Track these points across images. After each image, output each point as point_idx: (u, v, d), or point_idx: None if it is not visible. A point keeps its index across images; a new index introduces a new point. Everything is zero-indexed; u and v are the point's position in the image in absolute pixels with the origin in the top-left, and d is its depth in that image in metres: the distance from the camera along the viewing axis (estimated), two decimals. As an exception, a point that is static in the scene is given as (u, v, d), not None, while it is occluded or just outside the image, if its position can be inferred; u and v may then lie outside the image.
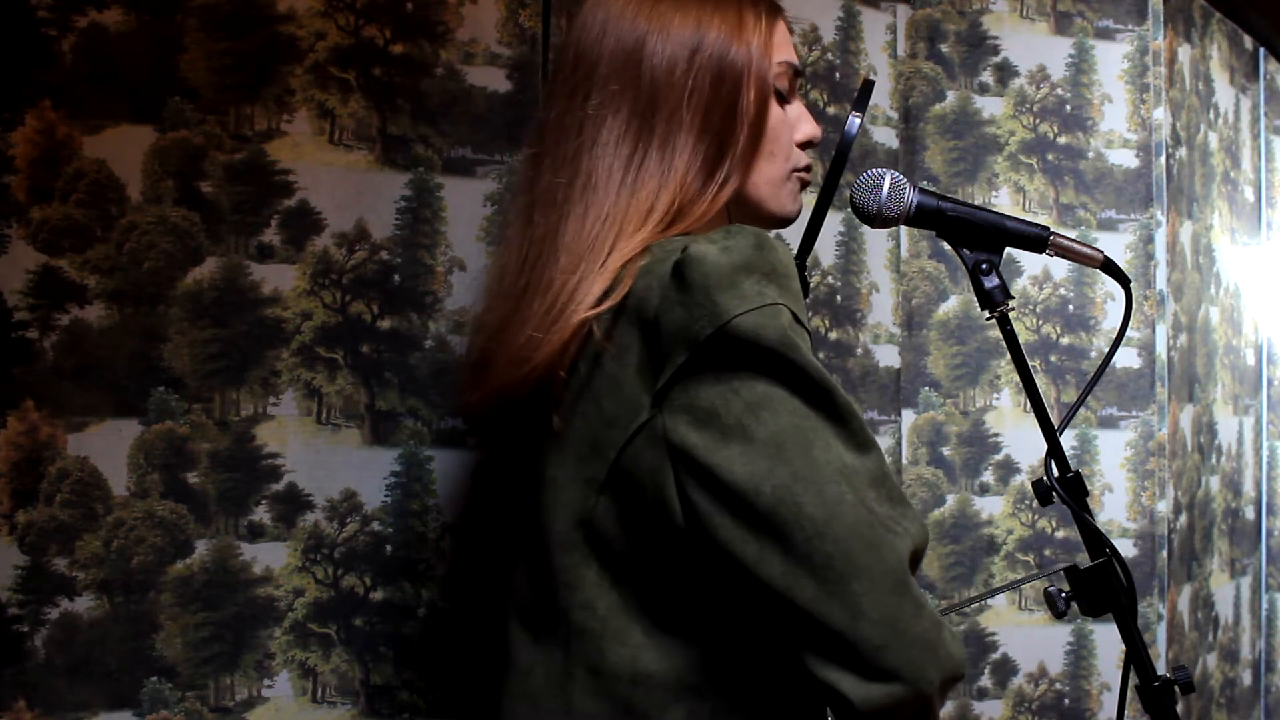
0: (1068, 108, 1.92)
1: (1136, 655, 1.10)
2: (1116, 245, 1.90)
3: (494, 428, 1.23)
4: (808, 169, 1.16)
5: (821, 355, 1.78)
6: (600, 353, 1.00)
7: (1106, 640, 1.86)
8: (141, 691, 1.31)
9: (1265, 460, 2.44)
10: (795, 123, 1.15)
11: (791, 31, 1.16)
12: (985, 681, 1.86)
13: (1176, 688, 1.11)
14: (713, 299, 0.95)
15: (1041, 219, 1.91)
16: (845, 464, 0.94)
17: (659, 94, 1.06)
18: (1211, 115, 2.18)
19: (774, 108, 1.11)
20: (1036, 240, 1.14)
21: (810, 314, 1.77)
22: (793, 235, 1.74)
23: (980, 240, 1.13)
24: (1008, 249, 1.14)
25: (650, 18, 1.07)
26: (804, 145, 1.15)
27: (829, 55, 1.81)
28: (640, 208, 1.04)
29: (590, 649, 1.03)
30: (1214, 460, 2.17)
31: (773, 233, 1.14)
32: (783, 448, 0.93)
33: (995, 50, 1.92)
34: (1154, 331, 1.89)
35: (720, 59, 1.07)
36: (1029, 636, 1.86)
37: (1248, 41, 2.37)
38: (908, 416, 1.87)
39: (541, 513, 1.07)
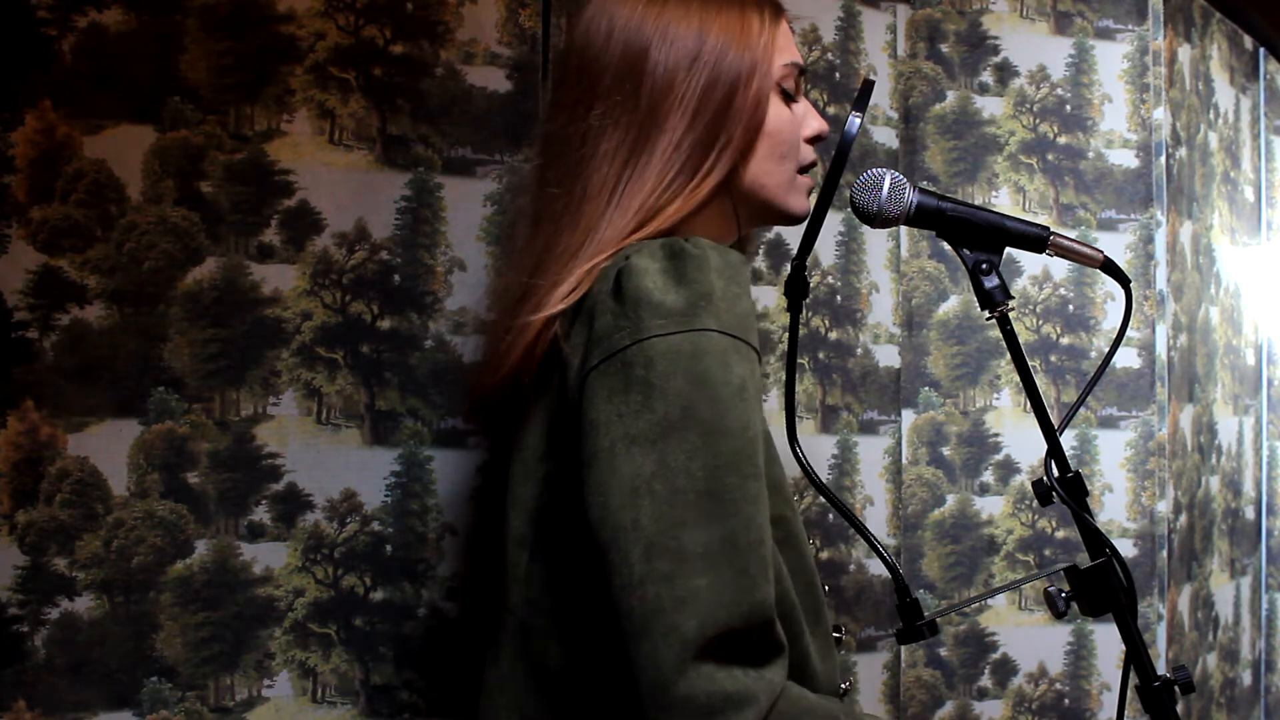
0: (1068, 108, 1.92)
1: (1136, 655, 1.10)
2: (1116, 245, 1.90)
3: (491, 427, 1.24)
4: (813, 164, 1.17)
5: (821, 355, 1.78)
6: (560, 352, 1.02)
7: (1106, 640, 1.86)
8: (141, 691, 1.31)
9: (1265, 460, 2.44)
10: (802, 119, 1.15)
11: (793, 31, 1.17)
12: (985, 681, 1.86)
13: (1176, 688, 1.11)
14: (639, 314, 0.95)
15: (1041, 219, 1.91)
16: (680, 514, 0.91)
17: (658, 104, 1.06)
18: (1211, 115, 2.18)
19: (780, 108, 1.12)
20: (1036, 240, 1.14)
21: (810, 314, 1.77)
22: (793, 235, 1.74)
23: (980, 240, 1.13)
24: (1008, 249, 1.14)
25: (655, 27, 1.07)
26: (812, 140, 1.16)
27: (829, 55, 1.81)
28: (627, 217, 1.05)
29: (534, 646, 1.04)
30: (1214, 460, 2.17)
31: (772, 230, 1.14)
32: (637, 491, 0.91)
33: (995, 50, 1.92)
34: (1154, 331, 1.89)
35: (718, 64, 1.07)
36: (1029, 636, 1.86)
37: (1248, 41, 2.37)
38: (908, 416, 1.87)
39: (506, 508, 1.08)
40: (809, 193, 1.18)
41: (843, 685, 1.13)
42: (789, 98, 1.13)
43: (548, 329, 1.03)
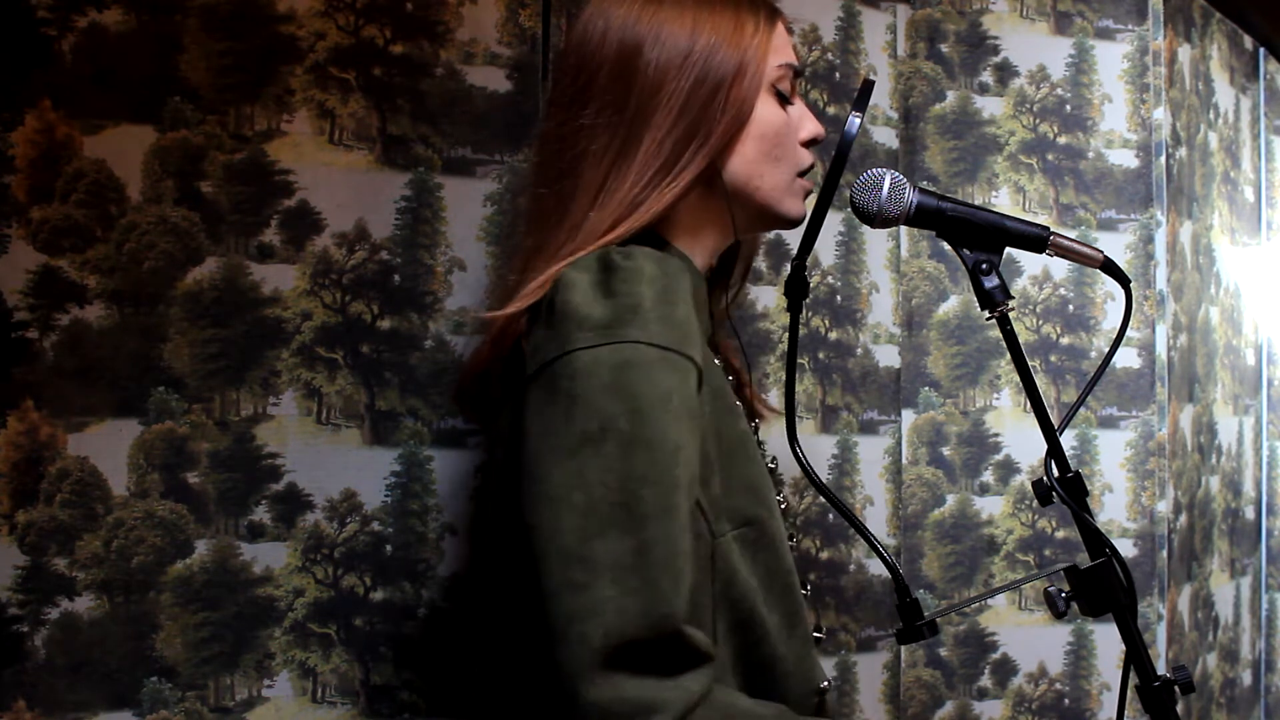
0: (1068, 108, 1.92)
1: (1136, 655, 1.10)
2: (1116, 245, 1.90)
3: (486, 423, 1.25)
4: (811, 168, 1.17)
5: (821, 355, 1.78)
6: (522, 350, 1.04)
7: (1106, 640, 1.86)
8: (141, 691, 1.31)
9: (1265, 460, 2.44)
10: (798, 122, 1.15)
11: (791, 33, 1.17)
12: (985, 681, 1.86)
13: (1176, 688, 1.11)
14: (565, 327, 0.97)
15: (1041, 219, 1.90)
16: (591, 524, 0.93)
17: (647, 103, 1.07)
18: (1211, 115, 2.18)
19: (772, 108, 1.12)
20: (1036, 240, 1.14)
21: (810, 314, 1.77)
22: (793, 235, 1.74)
23: (980, 240, 1.13)
24: (1008, 249, 1.14)
25: (649, 27, 1.09)
26: (808, 144, 1.16)
27: (829, 55, 1.81)
28: (605, 213, 1.06)
29: (503, 639, 1.06)
30: (1214, 460, 2.17)
31: (775, 233, 1.14)
32: (557, 502, 0.94)
33: (995, 50, 1.92)
34: (1154, 331, 1.89)
35: (707, 62, 1.08)
36: (1029, 636, 1.86)
37: (1248, 41, 2.37)
38: (908, 416, 1.87)
39: (484, 503, 1.10)
40: (807, 195, 1.18)
41: (823, 684, 1.13)
42: (784, 100, 1.14)
43: (515, 324, 1.04)
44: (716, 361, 1.13)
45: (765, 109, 1.11)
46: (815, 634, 1.15)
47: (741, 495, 1.06)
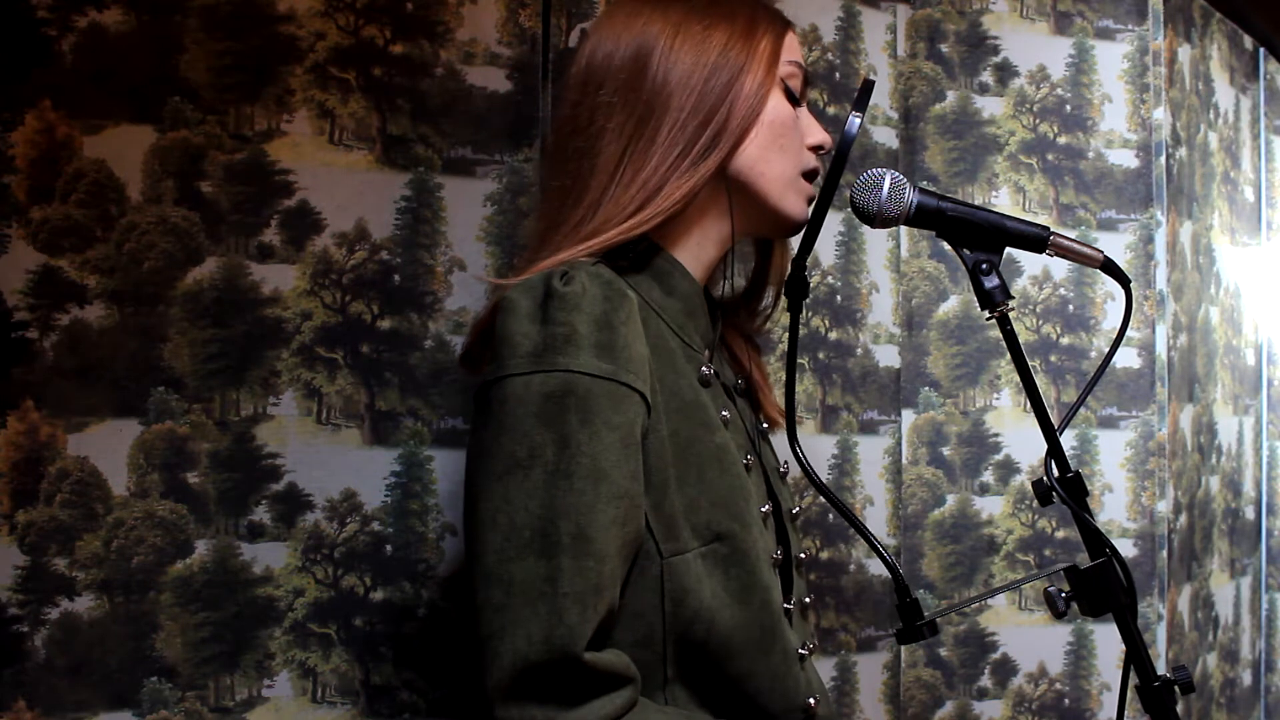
0: (1068, 108, 1.92)
1: (1136, 655, 1.10)
2: (1116, 245, 1.90)
3: None
4: (816, 172, 1.17)
5: (821, 355, 1.78)
6: None
7: (1106, 640, 1.86)
8: (141, 691, 1.31)
9: (1265, 460, 2.43)
10: (806, 126, 1.16)
11: (802, 45, 1.19)
12: (985, 681, 1.86)
13: (1176, 688, 1.10)
14: (501, 352, 1.00)
15: (1041, 219, 1.90)
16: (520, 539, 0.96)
17: (659, 92, 1.09)
18: (1211, 115, 2.18)
19: (781, 103, 1.14)
20: (1036, 240, 1.14)
21: (810, 314, 1.77)
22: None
23: (980, 240, 1.13)
24: (1008, 249, 1.14)
25: (667, 19, 1.11)
26: (814, 149, 1.17)
27: (829, 55, 1.81)
28: (630, 194, 1.07)
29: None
30: (1214, 460, 2.17)
31: (793, 240, 1.14)
32: (484, 522, 0.97)
33: (995, 50, 1.92)
34: (1154, 331, 1.89)
35: (724, 53, 1.10)
36: (1029, 636, 1.86)
37: (1248, 41, 2.37)
38: (908, 416, 1.87)
39: None
40: (811, 201, 1.18)
41: (810, 700, 1.12)
42: (793, 99, 1.15)
43: (490, 314, 1.08)
44: (706, 370, 1.13)
45: (776, 102, 1.13)
46: (801, 650, 1.14)
47: (712, 510, 1.05)
